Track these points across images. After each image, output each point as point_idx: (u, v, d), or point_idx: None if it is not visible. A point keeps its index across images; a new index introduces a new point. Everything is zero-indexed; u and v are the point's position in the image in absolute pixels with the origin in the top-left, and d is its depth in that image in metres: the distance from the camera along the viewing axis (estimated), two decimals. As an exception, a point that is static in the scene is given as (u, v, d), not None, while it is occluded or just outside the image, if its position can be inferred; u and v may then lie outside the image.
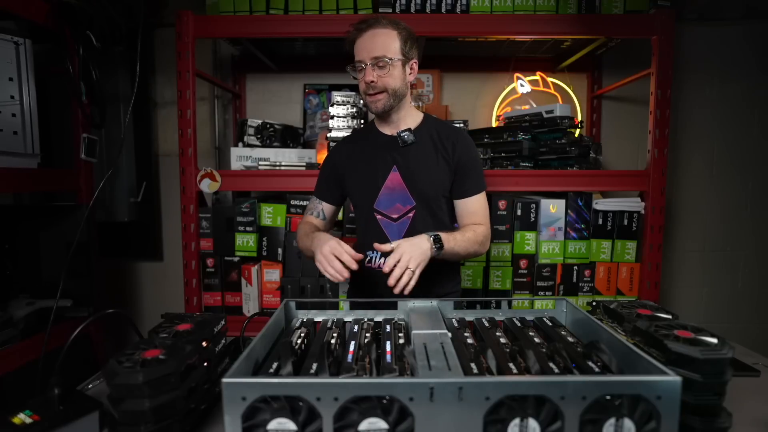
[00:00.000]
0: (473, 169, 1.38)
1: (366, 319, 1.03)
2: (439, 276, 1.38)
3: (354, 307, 1.09)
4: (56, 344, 1.65)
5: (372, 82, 1.28)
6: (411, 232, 1.34)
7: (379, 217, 1.37)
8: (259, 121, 2.15)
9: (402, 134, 1.34)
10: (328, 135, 1.95)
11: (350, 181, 1.41)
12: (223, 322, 0.95)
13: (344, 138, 1.54)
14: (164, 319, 0.96)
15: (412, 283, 1.13)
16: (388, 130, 1.39)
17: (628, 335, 0.87)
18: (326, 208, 1.46)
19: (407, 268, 1.12)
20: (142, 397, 0.71)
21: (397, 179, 1.35)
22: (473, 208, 1.38)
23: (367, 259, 1.37)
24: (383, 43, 1.27)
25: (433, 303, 1.08)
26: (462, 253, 1.30)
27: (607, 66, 2.41)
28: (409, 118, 1.40)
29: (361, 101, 2.01)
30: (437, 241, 1.21)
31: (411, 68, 1.34)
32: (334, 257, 1.15)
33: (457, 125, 1.95)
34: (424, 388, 0.64)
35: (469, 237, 1.31)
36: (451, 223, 1.43)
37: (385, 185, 1.35)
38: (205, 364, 0.84)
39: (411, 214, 1.35)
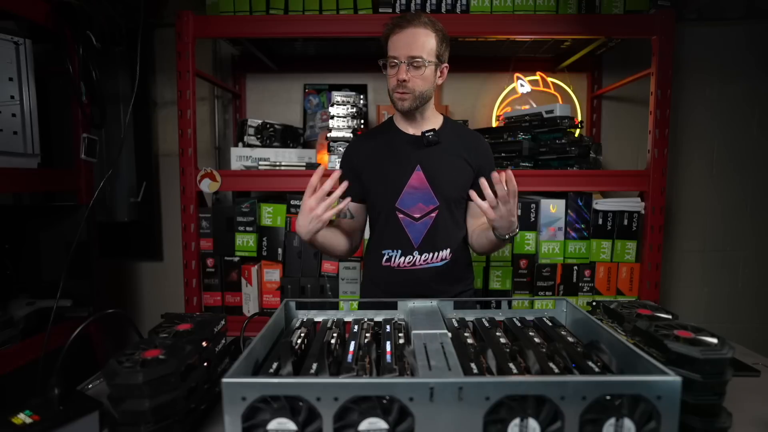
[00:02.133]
0: (492, 172, 1.42)
1: (366, 319, 1.03)
2: (452, 276, 1.38)
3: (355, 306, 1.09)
4: (56, 344, 1.64)
5: (404, 81, 1.26)
6: (433, 232, 1.34)
7: (401, 216, 1.35)
8: (259, 121, 2.15)
9: (427, 134, 1.34)
10: (328, 135, 1.95)
11: (370, 179, 1.38)
12: (223, 322, 0.95)
13: (359, 136, 1.50)
14: (164, 319, 0.96)
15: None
16: (411, 130, 1.38)
17: (628, 335, 0.87)
18: (352, 206, 1.41)
19: (509, 203, 1.17)
20: (142, 397, 0.71)
21: (422, 179, 1.33)
22: None
23: (384, 258, 1.36)
24: (421, 43, 1.26)
25: (433, 303, 1.08)
26: (500, 248, 1.39)
27: (607, 66, 2.40)
28: (433, 118, 1.40)
29: (361, 101, 2.01)
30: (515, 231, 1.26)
31: (441, 72, 1.33)
32: (318, 202, 1.14)
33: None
34: (424, 388, 0.64)
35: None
36: (465, 224, 1.45)
37: (408, 184, 1.34)
38: (205, 364, 0.84)
39: (434, 214, 1.34)
